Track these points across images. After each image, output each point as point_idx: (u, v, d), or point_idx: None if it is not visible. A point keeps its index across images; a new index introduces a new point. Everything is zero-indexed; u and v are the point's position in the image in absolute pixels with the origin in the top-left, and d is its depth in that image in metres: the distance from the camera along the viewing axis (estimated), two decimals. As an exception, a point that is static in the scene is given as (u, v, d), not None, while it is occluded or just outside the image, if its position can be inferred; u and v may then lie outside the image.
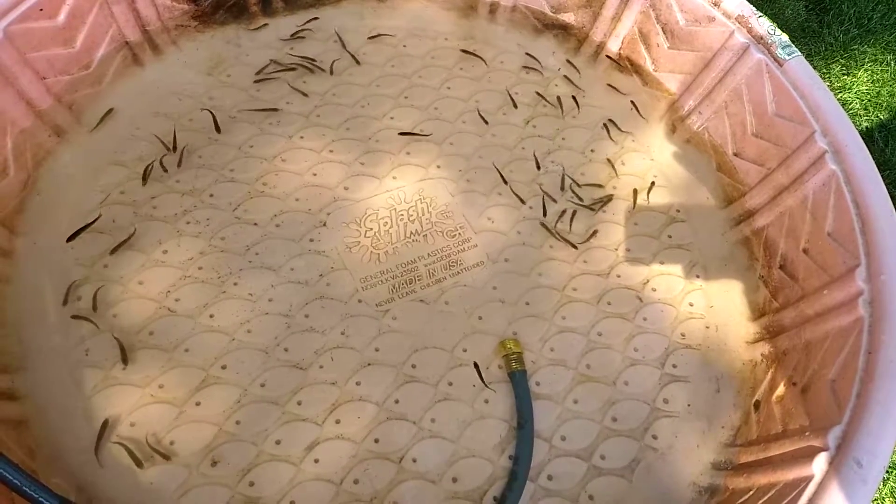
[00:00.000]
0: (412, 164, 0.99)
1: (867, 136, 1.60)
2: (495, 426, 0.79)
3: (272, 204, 0.92)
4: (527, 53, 1.14)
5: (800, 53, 0.92)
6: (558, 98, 1.08)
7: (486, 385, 0.81)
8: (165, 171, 0.92)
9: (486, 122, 1.05)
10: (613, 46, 1.13)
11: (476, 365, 0.81)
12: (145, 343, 0.79)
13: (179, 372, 0.78)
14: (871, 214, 0.77)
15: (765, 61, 0.94)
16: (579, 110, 1.08)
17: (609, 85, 1.11)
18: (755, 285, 0.91)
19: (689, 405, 0.83)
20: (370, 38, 1.12)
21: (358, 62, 1.09)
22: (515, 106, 1.07)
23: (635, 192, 0.99)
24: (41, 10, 0.89)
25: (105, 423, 0.74)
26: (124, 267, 0.84)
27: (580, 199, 0.98)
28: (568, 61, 1.14)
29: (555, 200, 0.97)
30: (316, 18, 1.13)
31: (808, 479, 0.64)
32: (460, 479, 0.75)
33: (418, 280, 0.89)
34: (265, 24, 1.11)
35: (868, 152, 0.82)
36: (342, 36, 1.11)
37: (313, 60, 1.07)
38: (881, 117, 1.64)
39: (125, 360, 0.77)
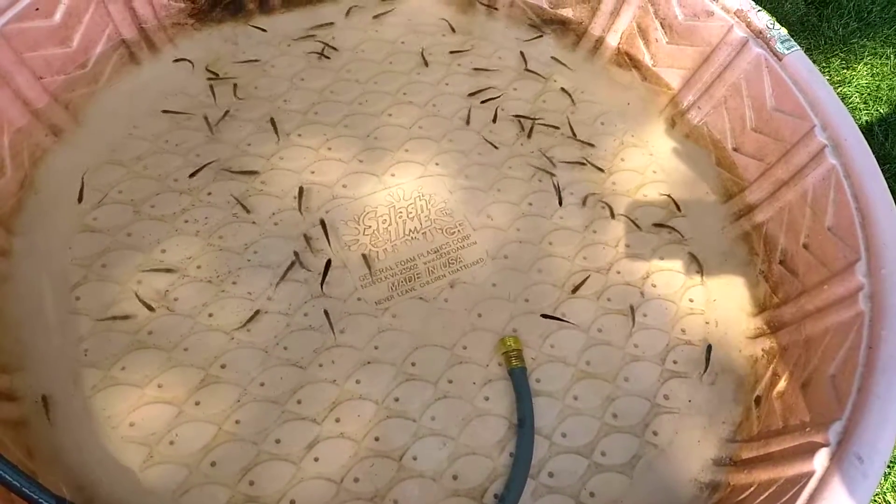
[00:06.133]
0: (411, 161, 0.99)
1: (867, 130, 1.59)
2: (496, 423, 0.79)
3: (270, 202, 0.92)
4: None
5: (799, 48, 0.92)
6: (563, 89, 1.08)
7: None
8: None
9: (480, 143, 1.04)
10: (612, 41, 1.12)
11: None
12: (144, 342, 0.79)
13: (179, 371, 0.78)
14: (871, 209, 0.77)
15: (764, 56, 0.93)
16: (575, 105, 1.08)
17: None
18: (755, 280, 0.91)
19: (689, 401, 0.83)
20: (375, 16, 1.12)
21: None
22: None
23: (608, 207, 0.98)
24: (37, 9, 0.88)
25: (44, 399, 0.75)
26: (123, 266, 0.84)
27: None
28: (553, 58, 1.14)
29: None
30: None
31: (810, 475, 0.64)
32: (461, 477, 0.75)
33: (418, 278, 0.88)
34: (262, 22, 1.11)
35: (868, 146, 0.82)
36: (341, 32, 1.11)
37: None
38: (881, 111, 1.63)
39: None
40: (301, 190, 0.92)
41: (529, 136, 1.02)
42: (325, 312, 0.84)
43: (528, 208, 0.96)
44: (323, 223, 0.90)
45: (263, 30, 1.10)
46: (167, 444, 0.73)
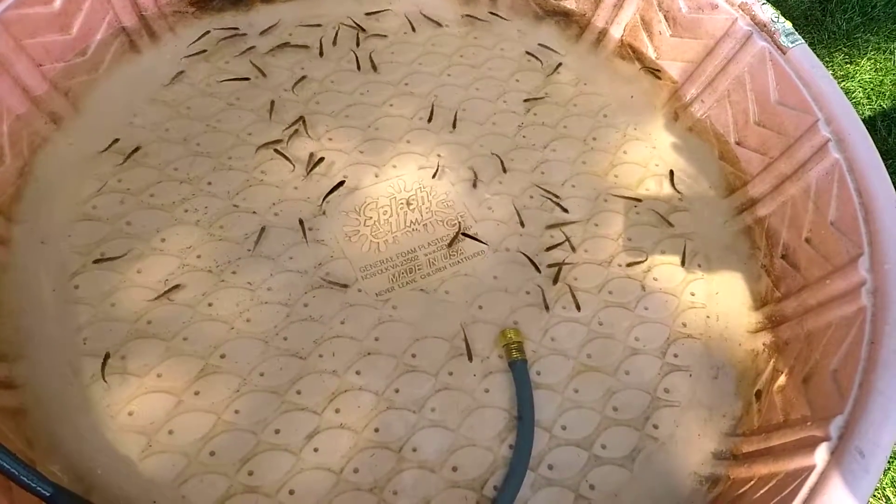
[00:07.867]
0: (412, 152, 0.98)
1: (870, 124, 1.59)
2: (496, 415, 0.78)
3: (271, 192, 0.92)
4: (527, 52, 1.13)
5: (803, 41, 0.91)
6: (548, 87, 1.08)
7: None
8: None
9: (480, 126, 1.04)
10: (616, 33, 1.12)
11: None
12: (143, 332, 0.79)
13: (178, 361, 0.78)
14: (874, 203, 0.77)
15: (768, 49, 0.93)
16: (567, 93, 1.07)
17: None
18: (757, 274, 0.91)
19: (690, 395, 0.82)
20: (367, 13, 1.12)
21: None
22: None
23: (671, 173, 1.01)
24: (37, -5, 0.88)
25: (107, 356, 0.76)
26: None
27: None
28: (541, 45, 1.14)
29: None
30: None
31: (810, 469, 0.63)
32: (460, 468, 0.75)
33: (418, 269, 0.88)
34: (263, 12, 1.10)
35: (871, 141, 0.82)
36: (342, 22, 1.11)
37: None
38: (884, 106, 1.63)
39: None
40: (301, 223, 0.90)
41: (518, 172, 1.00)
42: (301, 222, 0.88)
43: (529, 201, 0.96)
44: (320, 159, 0.95)
45: (236, 28, 1.07)
46: (166, 433, 0.73)
